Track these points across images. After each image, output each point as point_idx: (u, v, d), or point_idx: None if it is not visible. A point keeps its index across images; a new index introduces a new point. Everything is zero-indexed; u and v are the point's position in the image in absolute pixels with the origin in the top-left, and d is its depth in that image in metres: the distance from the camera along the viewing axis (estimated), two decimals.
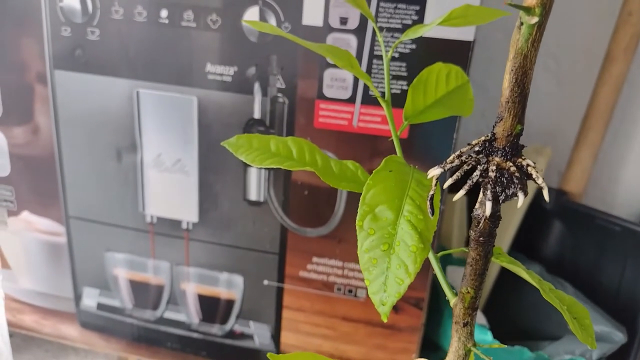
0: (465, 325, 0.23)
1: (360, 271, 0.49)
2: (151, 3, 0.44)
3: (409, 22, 0.41)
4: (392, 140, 0.31)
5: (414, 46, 0.42)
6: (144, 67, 0.46)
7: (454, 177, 0.19)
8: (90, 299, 0.57)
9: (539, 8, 0.17)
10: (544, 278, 0.61)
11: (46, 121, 0.50)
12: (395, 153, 0.32)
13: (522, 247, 0.64)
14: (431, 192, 0.20)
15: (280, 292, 0.51)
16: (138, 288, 0.55)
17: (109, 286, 0.56)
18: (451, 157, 0.20)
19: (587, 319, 0.24)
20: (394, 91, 0.43)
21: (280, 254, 0.50)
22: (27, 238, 0.56)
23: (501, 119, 0.19)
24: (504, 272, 0.62)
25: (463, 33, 0.41)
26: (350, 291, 0.50)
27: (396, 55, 0.42)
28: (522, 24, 0.17)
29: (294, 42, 0.30)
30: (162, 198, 0.50)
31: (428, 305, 0.51)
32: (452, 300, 0.23)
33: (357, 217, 0.24)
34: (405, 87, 0.43)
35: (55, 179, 0.52)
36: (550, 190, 0.64)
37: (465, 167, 0.19)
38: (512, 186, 0.18)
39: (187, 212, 0.50)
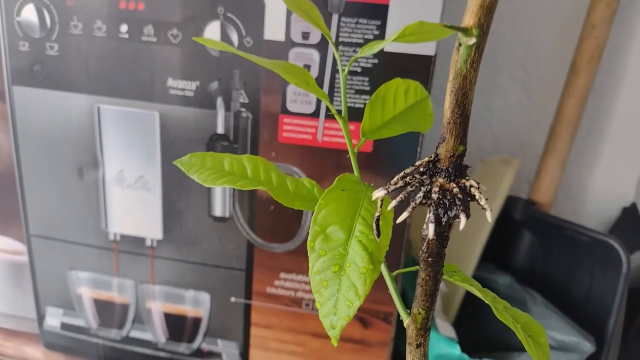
0: (418, 346, 0.22)
1: None
2: (111, 18, 0.43)
3: (371, 37, 0.41)
4: (359, 154, 0.31)
5: (376, 61, 0.42)
6: (104, 83, 0.45)
7: (398, 198, 0.19)
8: (54, 318, 0.55)
9: (476, 29, 0.17)
10: (514, 289, 0.61)
11: (5, 138, 0.49)
12: (361, 168, 0.32)
13: (492, 258, 0.64)
14: (377, 214, 0.20)
15: (247, 309, 0.51)
16: (103, 307, 0.54)
17: (73, 305, 0.54)
18: (395, 179, 0.19)
19: (542, 337, 0.24)
20: (357, 105, 0.43)
21: (247, 271, 0.49)
22: None
23: (443, 140, 0.18)
24: None
25: (424, 48, 0.41)
26: None
27: (359, 69, 0.42)
28: (460, 45, 0.17)
29: (249, 57, 0.30)
30: (125, 215, 0.49)
31: (397, 319, 0.50)
32: (406, 320, 0.23)
33: (309, 238, 0.23)
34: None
35: (15, 197, 0.51)
36: (519, 200, 0.64)
37: (409, 188, 0.19)
38: (455, 208, 0.18)
39: (151, 229, 0.49)
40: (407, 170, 0.19)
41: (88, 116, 0.47)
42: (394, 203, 0.19)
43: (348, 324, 0.51)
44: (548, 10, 0.64)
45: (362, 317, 0.49)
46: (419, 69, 0.41)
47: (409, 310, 0.24)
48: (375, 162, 0.44)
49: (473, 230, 0.62)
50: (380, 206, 0.20)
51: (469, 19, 0.17)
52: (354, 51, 0.41)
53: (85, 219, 0.50)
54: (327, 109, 0.44)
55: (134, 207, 0.49)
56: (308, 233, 0.48)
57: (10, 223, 0.52)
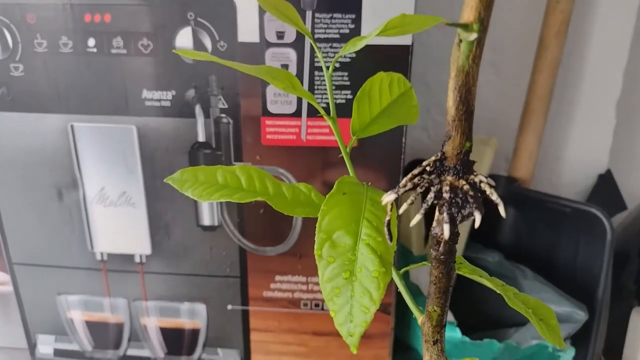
0: (435, 343, 0.22)
1: None
2: (76, 32, 0.42)
3: (346, 31, 0.40)
4: (353, 149, 0.31)
5: (354, 55, 0.41)
6: (76, 100, 0.44)
7: (409, 201, 0.18)
8: (46, 346, 0.54)
9: (476, 24, 0.16)
10: (503, 265, 0.62)
11: None
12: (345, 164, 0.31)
13: (479, 237, 0.65)
14: (387, 218, 0.20)
15: (245, 315, 0.50)
16: (96, 329, 0.52)
17: (65, 330, 0.53)
18: (404, 181, 0.19)
19: (553, 319, 0.25)
20: (339, 101, 0.43)
21: (242, 277, 0.49)
22: None
23: (449, 137, 0.18)
24: None
25: (401, 38, 0.41)
26: (317, 305, 0.49)
27: (337, 65, 0.42)
28: (461, 41, 0.17)
29: (231, 65, 0.29)
30: (111, 233, 0.48)
31: (396, 308, 0.51)
32: (420, 318, 0.23)
33: (315, 246, 0.23)
34: (349, 96, 0.42)
35: None
36: (499, 177, 0.65)
37: (419, 189, 0.19)
38: (467, 206, 0.18)
39: (139, 245, 0.48)
40: (415, 171, 0.19)
41: (62, 136, 0.45)
42: (404, 207, 0.19)
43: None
44: None
45: None
46: (397, 59, 0.41)
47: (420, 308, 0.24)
48: (362, 157, 0.44)
49: None
50: (391, 210, 0.20)
51: (468, 15, 0.16)
52: (331, 46, 0.41)
53: (69, 242, 0.49)
54: (308, 107, 0.43)
55: (119, 224, 0.48)
56: (300, 234, 0.47)
57: None
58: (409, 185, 0.19)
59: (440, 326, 0.22)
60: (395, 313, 0.51)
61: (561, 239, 0.62)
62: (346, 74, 0.42)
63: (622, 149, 0.74)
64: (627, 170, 0.76)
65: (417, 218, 0.18)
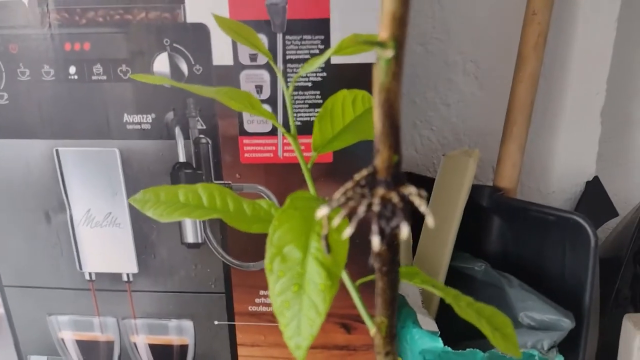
0: (387, 354, 0.23)
1: None
2: (58, 61, 0.43)
3: (317, 51, 0.42)
4: (320, 165, 0.32)
5: (324, 74, 0.43)
6: (59, 125, 0.45)
7: (342, 214, 0.19)
8: None
9: (391, 42, 0.17)
10: (490, 274, 0.62)
11: None
12: (321, 180, 0.32)
13: (466, 246, 0.66)
14: (324, 232, 0.21)
15: (232, 330, 0.51)
16: (87, 348, 0.53)
17: (56, 351, 0.54)
18: (336, 195, 0.20)
19: (508, 327, 0.25)
20: (312, 119, 0.44)
21: (227, 293, 0.50)
22: None
23: (378, 152, 0.19)
24: (451, 273, 0.63)
25: (369, 56, 0.42)
26: None
27: (309, 84, 0.43)
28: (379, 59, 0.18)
29: (203, 85, 0.30)
30: (98, 254, 0.49)
31: None
32: (372, 330, 0.24)
33: (265, 260, 0.24)
34: None
35: None
36: (484, 188, 0.66)
37: (352, 203, 0.20)
38: (395, 218, 0.18)
39: (126, 264, 0.49)
40: (348, 185, 0.20)
41: (48, 160, 0.46)
42: (337, 219, 0.20)
43: (331, 332, 0.52)
44: (492, 2, 0.66)
45: (345, 323, 0.50)
46: (367, 77, 0.42)
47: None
48: (337, 172, 0.45)
49: (443, 223, 0.63)
50: (328, 224, 0.20)
51: (383, 33, 0.17)
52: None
53: (57, 263, 0.50)
54: (283, 126, 0.44)
55: (105, 244, 0.49)
56: None
57: None
58: (342, 199, 0.20)
59: (390, 337, 0.23)
60: None
61: (547, 247, 0.62)
62: (318, 92, 0.43)
63: (612, 155, 0.74)
64: (618, 176, 0.76)
65: (348, 232, 0.19)
